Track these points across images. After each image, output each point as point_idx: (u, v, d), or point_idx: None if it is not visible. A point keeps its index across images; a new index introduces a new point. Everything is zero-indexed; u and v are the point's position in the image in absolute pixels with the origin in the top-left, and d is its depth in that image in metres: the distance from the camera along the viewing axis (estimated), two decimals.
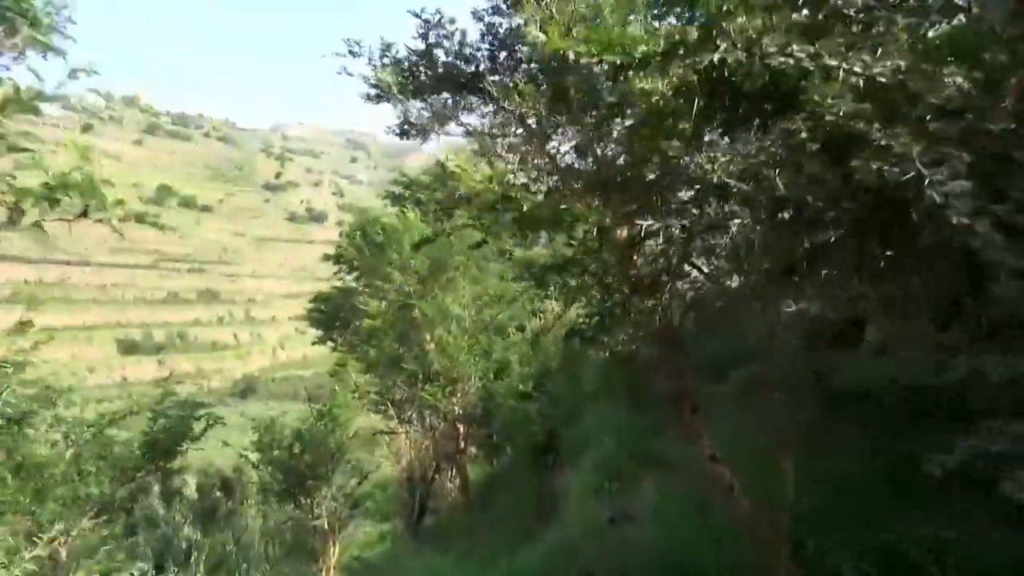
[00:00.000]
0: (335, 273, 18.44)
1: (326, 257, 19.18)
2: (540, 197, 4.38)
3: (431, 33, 4.32)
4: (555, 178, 4.51)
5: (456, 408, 10.03)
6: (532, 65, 4.20)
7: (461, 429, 10.08)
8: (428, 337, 10.12)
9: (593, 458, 8.01)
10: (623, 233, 4.36)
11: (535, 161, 4.62)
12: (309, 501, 9.41)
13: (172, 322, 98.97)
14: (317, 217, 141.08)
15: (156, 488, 11.87)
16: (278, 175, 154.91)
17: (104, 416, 7.45)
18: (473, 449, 11.11)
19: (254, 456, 9.83)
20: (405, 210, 10.86)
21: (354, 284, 16.20)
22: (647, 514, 6.13)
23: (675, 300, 4.47)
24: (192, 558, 9.65)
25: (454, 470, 11.83)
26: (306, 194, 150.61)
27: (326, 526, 9.34)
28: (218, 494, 14.32)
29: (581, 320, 5.11)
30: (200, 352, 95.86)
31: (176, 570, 9.32)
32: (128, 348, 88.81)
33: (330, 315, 20.27)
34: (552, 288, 6.64)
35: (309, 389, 20.18)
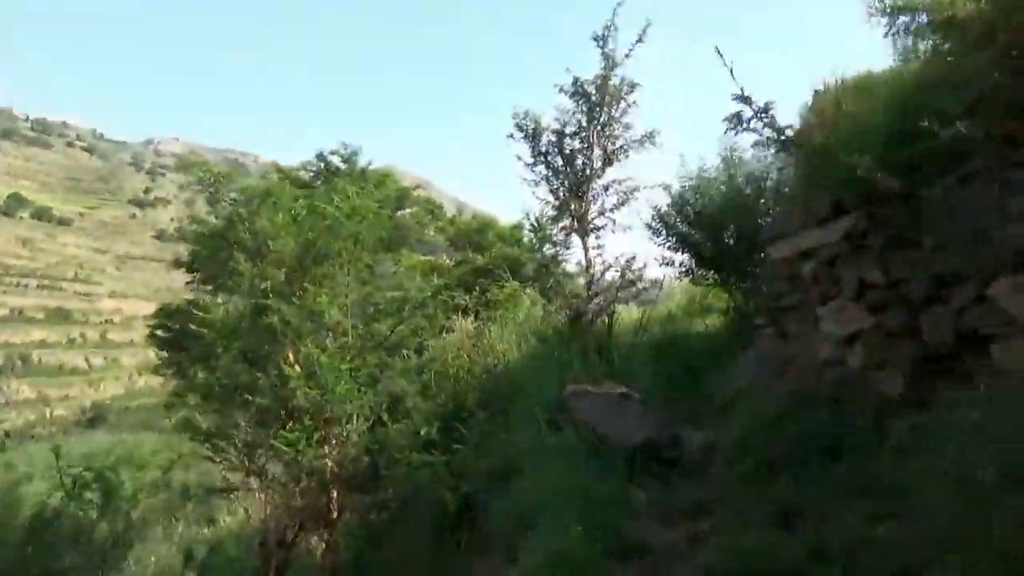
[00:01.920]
0: (187, 283, 15.09)
1: (176, 265, 15.79)
2: None
3: None
4: None
5: (329, 463, 6.78)
6: None
7: (335, 495, 6.83)
8: (291, 356, 6.86)
9: (541, 548, 5.07)
10: None
11: None
12: None
13: (13, 343, 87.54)
14: (188, 237, 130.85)
15: None
16: (147, 190, 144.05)
17: None
18: (350, 516, 7.78)
19: None
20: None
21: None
22: None
23: None
24: None
25: (326, 533, 8.48)
26: (178, 212, 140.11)
27: None
28: None
29: None
30: (45, 376, 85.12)
31: None
32: None
33: (178, 334, 16.50)
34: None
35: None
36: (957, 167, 4.36)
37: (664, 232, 9.26)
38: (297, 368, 6.88)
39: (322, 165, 18.67)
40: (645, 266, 7.24)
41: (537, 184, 7.55)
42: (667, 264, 9.21)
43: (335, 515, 6.98)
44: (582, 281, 7.35)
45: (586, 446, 5.86)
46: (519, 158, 7.50)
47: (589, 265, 7.25)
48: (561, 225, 7.93)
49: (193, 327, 9.12)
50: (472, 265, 11.40)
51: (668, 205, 9.32)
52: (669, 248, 9.31)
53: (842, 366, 4.95)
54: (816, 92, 5.98)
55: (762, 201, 8.41)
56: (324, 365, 6.08)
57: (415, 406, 7.19)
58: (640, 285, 7.12)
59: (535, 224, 9.65)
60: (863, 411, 4.56)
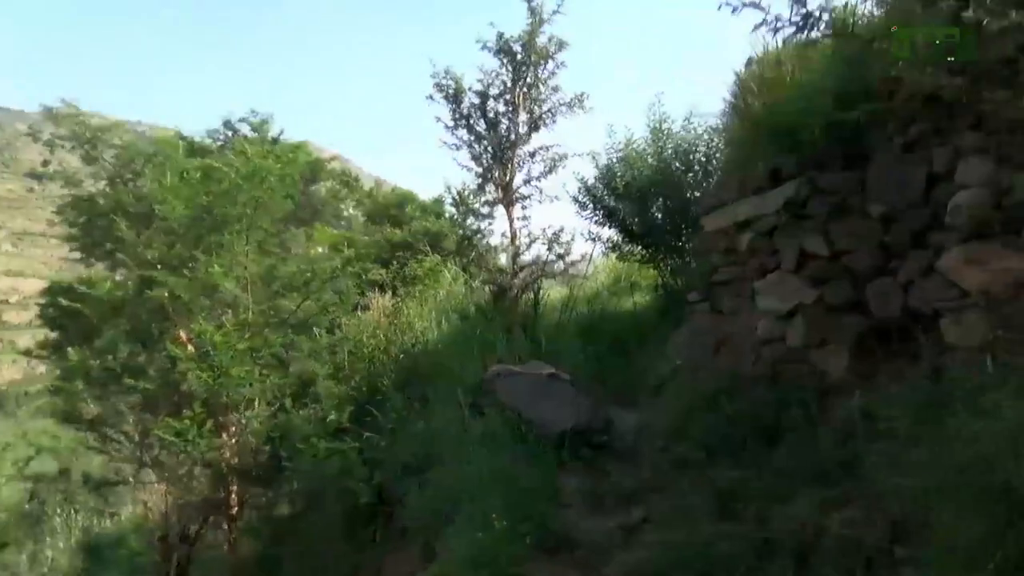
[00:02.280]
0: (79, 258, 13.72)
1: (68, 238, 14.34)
2: None
3: None
4: None
5: (227, 453, 6.06)
6: None
7: (234, 488, 6.11)
8: (182, 335, 6.07)
9: (461, 542, 4.63)
10: None
11: None
12: None
13: None
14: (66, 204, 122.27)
15: None
16: (45, 163, 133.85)
17: None
18: (252, 510, 7.07)
19: None
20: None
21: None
22: None
23: None
24: None
25: (228, 528, 7.73)
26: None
27: None
28: None
29: None
30: None
31: None
32: None
33: (64, 313, 15.02)
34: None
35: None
36: (904, 131, 4.11)
37: (591, 206, 8.90)
38: (190, 348, 6.11)
39: (229, 134, 17.40)
40: (573, 239, 6.84)
41: (458, 148, 6.98)
42: (594, 240, 8.88)
43: (235, 509, 6.28)
44: (506, 256, 6.89)
45: (511, 431, 5.42)
46: (438, 119, 6.91)
47: (514, 237, 6.76)
48: (485, 198, 7.40)
49: (76, 304, 8.16)
50: (390, 239, 10.73)
51: (595, 178, 8.97)
52: (596, 223, 8.97)
53: (782, 343, 4.68)
54: (751, 58, 5.69)
55: (691, 174, 8.15)
56: (218, 344, 5.36)
57: (326, 389, 6.56)
58: (568, 259, 6.71)
59: (457, 197, 9.09)
60: (804, 391, 4.31)
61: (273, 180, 5.83)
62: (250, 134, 17.11)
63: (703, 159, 8.17)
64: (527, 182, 7.05)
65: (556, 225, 7.73)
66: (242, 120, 17.49)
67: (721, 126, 6.04)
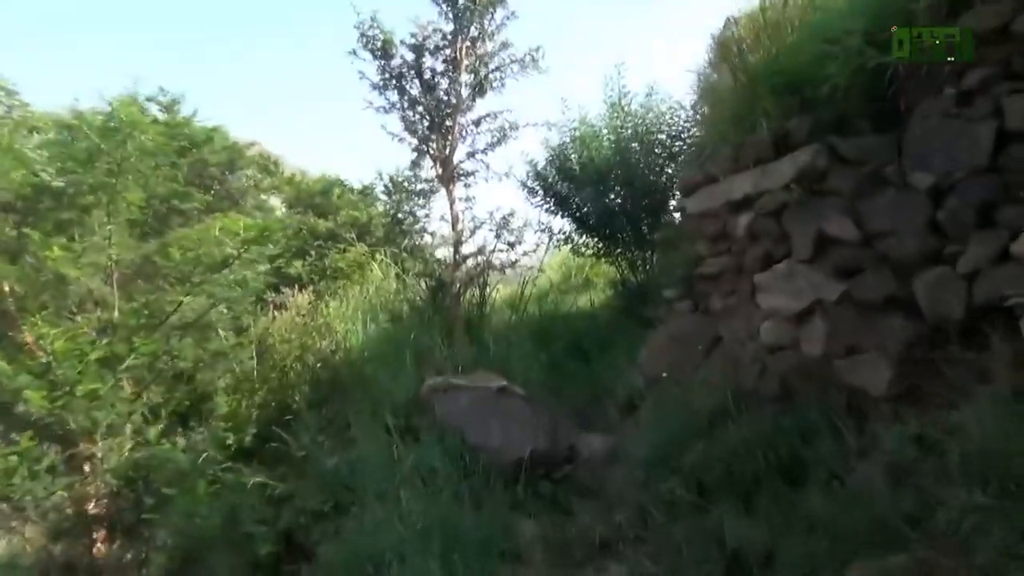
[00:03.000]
0: None
1: None
2: None
3: None
4: None
5: (91, 490, 4.69)
6: None
7: (99, 535, 4.75)
8: (29, 339, 4.68)
9: None
10: None
11: None
12: None
13: None
14: None
15: None
16: None
17: None
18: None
19: None
20: None
21: None
22: None
23: None
24: None
25: None
26: None
27: None
28: None
29: None
30: None
31: None
32: None
33: None
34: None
35: None
36: (958, 79, 3.22)
37: (541, 192, 7.87)
38: (41, 356, 4.70)
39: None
40: (526, 224, 5.72)
41: (387, 112, 5.71)
42: (545, 231, 7.86)
43: (100, 565, 4.91)
44: (446, 244, 5.72)
45: (453, 462, 4.31)
46: (362, 75, 5.61)
47: (456, 222, 5.58)
48: (421, 176, 6.15)
49: None
50: (312, 230, 9.40)
51: (546, 160, 7.94)
52: (547, 211, 7.95)
53: (794, 351, 3.73)
54: None
55: (656, 153, 7.22)
56: (58, 353, 4.02)
57: (220, 408, 5.29)
58: (520, 250, 5.62)
59: (390, 183, 7.84)
60: (830, 413, 3.36)
61: (145, 141, 4.51)
62: (160, 116, 15.41)
63: (670, 137, 7.26)
64: (471, 156, 5.87)
65: (505, 208, 6.64)
66: (149, 99, 15.72)
67: (701, 88, 5.08)
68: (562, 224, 8.03)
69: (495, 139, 5.66)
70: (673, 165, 7.27)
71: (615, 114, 7.39)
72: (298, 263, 7.34)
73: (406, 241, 6.23)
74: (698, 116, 6.55)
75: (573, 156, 7.56)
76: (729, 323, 4.31)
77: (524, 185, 7.91)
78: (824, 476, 3.14)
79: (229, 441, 5.06)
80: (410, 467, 4.25)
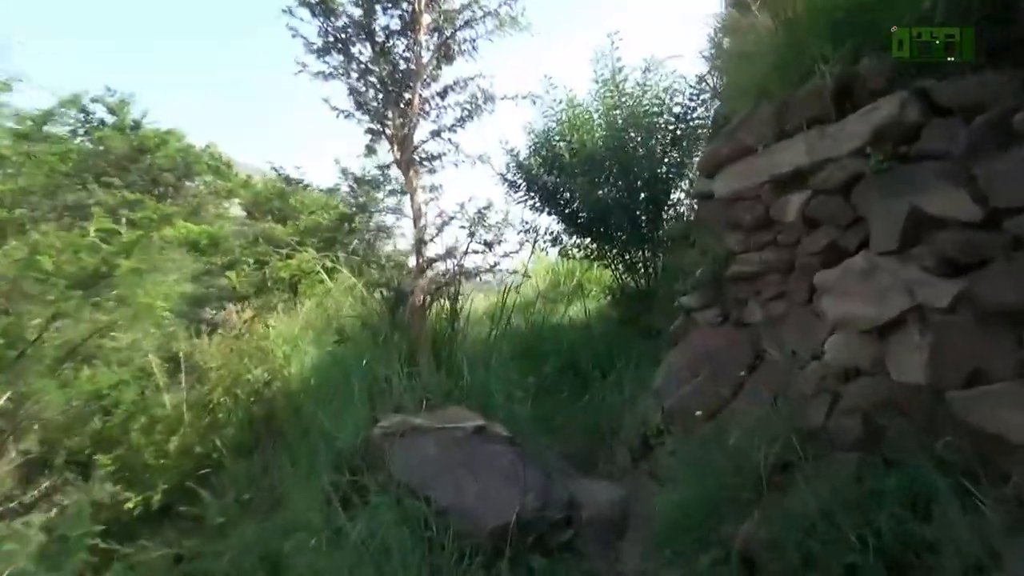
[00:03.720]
0: None
1: None
2: None
3: None
4: None
5: None
6: None
7: None
8: None
9: None
10: None
11: None
12: None
13: None
14: None
15: None
16: None
17: None
18: None
19: None
20: None
21: None
22: None
23: None
24: None
25: None
26: None
27: None
28: None
29: None
30: None
31: None
32: None
33: None
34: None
35: None
36: None
37: (525, 185, 6.82)
38: None
39: (81, 116, 14.37)
40: (507, 219, 4.53)
41: (328, 78, 4.47)
42: (529, 231, 6.81)
43: None
44: (408, 245, 4.58)
45: (412, 532, 3.21)
46: (295, 33, 4.35)
47: (418, 217, 4.38)
48: (381, 163, 4.94)
49: None
50: (268, 236, 8.26)
51: (530, 149, 6.89)
52: (532, 208, 6.90)
53: (879, 378, 2.69)
54: None
55: (659, 136, 6.21)
56: None
57: (118, 460, 4.16)
58: (501, 250, 4.48)
59: (354, 182, 6.69)
60: (947, 469, 2.32)
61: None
62: (108, 118, 14.19)
63: (674, 118, 6.26)
64: (436, 135, 4.69)
65: (480, 199, 5.46)
66: (96, 100, 14.50)
67: (724, 32, 4.04)
68: (549, 223, 7.00)
69: (465, 113, 4.53)
70: (677, 151, 6.26)
71: (608, 92, 6.36)
72: (232, 274, 6.19)
73: (355, 242, 5.10)
74: (709, 86, 5.56)
75: (560, 143, 6.53)
76: (776, 337, 3.27)
77: (504, 178, 6.86)
78: (957, 568, 2.10)
79: (129, 504, 3.93)
80: (354, 541, 3.15)
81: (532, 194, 6.80)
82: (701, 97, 6.12)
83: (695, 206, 4.78)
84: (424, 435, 3.58)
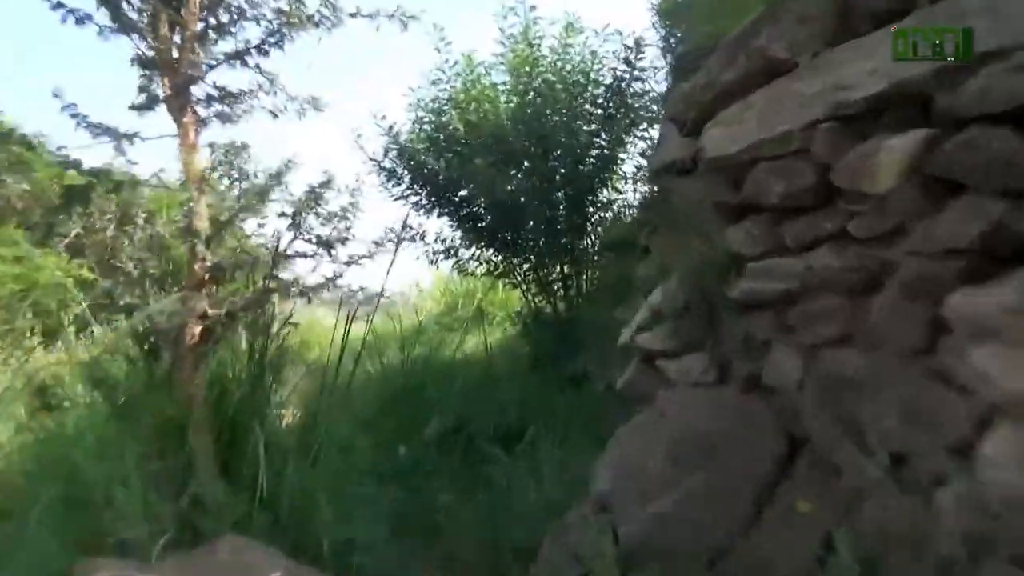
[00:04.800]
0: None
1: None
2: None
3: None
4: None
5: None
6: None
7: None
8: None
9: None
10: None
11: None
12: None
13: None
14: None
15: None
16: None
17: None
18: None
19: None
20: None
21: None
22: None
23: None
24: None
25: None
26: None
27: None
28: None
29: None
30: None
31: None
32: None
33: None
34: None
35: None
36: None
37: (408, 176, 5.13)
38: None
39: None
40: (356, 198, 2.74)
41: None
42: (415, 239, 5.14)
43: None
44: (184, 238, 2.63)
45: None
46: None
47: (201, 182, 2.53)
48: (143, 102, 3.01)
49: None
50: None
51: (416, 126, 5.20)
52: (418, 207, 5.20)
53: None
54: None
55: (588, 111, 4.71)
56: None
57: None
58: (350, 254, 2.68)
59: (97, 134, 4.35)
60: None
61: None
62: None
63: (607, 89, 4.78)
64: (237, 58, 2.76)
65: (320, 170, 3.15)
66: None
67: None
68: (440, 227, 5.34)
69: (280, 24, 2.62)
70: (609, 134, 4.77)
71: (520, 54, 4.78)
72: None
73: (72, 229, 3.03)
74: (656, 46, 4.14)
75: (454, 113, 4.86)
76: (841, 418, 1.69)
77: (379, 165, 5.14)
78: None
79: None
80: None
81: (417, 187, 5.11)
82: (638, 65, 4.68)
83: (655, 190, 3.23)
84: None
